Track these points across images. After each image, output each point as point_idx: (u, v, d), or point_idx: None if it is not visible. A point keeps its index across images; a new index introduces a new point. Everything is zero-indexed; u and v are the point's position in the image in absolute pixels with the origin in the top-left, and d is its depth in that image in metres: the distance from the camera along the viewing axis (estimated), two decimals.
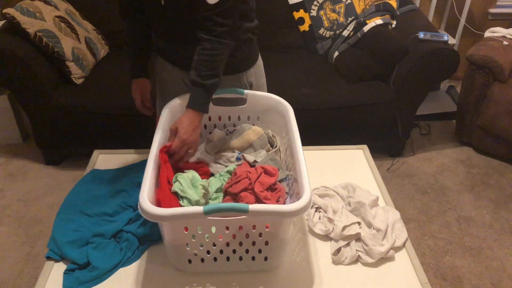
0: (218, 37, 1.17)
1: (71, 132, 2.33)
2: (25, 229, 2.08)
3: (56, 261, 1.13)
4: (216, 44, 1.18)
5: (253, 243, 1.03)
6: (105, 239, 1.16)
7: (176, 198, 1.10)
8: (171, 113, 1.28)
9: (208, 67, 1.18)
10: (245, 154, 1.28)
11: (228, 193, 1.16)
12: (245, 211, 0.93)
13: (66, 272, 1.10)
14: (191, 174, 1.16)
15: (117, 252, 1.14)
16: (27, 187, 2.33)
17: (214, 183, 1.20)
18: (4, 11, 2.09)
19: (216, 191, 1.18)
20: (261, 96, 1.35)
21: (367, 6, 2.64)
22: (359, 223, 1.20)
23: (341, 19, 2.66)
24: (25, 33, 2.13)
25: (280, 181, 1.24)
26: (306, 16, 2.67)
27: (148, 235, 1.18)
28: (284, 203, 1.18)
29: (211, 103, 1.34)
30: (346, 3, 2.65)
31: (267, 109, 1.36)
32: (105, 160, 1.48)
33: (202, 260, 1.06)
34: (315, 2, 2.66)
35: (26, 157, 2.55)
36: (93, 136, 2.34)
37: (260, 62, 1.49)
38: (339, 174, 1.44)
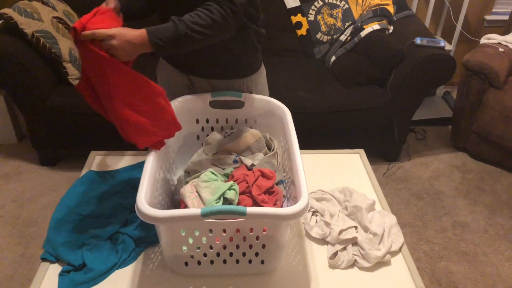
0: (223, 10, 1.11)
1: (67, 133, 2.32)
2: (19, 230, 2.07)
3: (51, 262, 1.12)
4: (221, 17, 1.11)
5: (250, 246, 1.03)
6: (101, 241, 1.16)
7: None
8: None
9: (197, 25, 1.09)
10: (242, 157, 1.28)
11: None
12: (242, 214, 0.93)
13: (61, 274, 1.09)
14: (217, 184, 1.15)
15: (113, 254, 1.13)
16: (22, 188, 2.32)
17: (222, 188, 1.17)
18: (2, 11, 2.09)
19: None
20: (258, 99, 1.36)
21: (364, 11, 2.65)
22: (355, 227, 1.20)
23: (339, 24, 2.67)
24: (23, 34, 2.12)
25: (277, 184, 1.24)
26: (303, 21, 2.68)
27: (144, 237, 1.17)
28: (282, 207, 1.18)
29: (208, 105, 1.35)
30: (344, 8, 2.67)
31: (264, 112, 1.37)
32: (102, 161, 1.48)
33: (199, 262, 1.06)
34: (312, 7, 2.67)
35: (21, 158, 2.54)
36: (89, 137, 2.33)
37: (262, 72, 1.47)
38: (336, 178, 1.44)
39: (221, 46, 1.26)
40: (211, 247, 1.03)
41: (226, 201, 1.10)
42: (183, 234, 0.99)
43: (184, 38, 1.09)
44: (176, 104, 1.31)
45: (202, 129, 1.39)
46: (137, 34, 1.06)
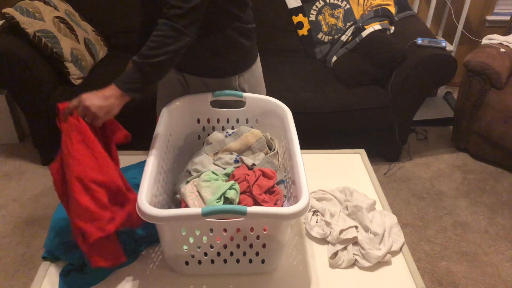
0: (169, 20, 1.09)
1: None
2: (20, 230, 2.07)
3: (52, 262, 1.13)
4: (169, 28, 1.10)
5: (251, 246, 1.03)
6: None
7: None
8: (170, 115, 1.28)
9: (152, 50, 1.09)
10: (243, 157, 1.28)
11: None
12: (243, 213, 0.93)
13: (62, 273, 1.09)
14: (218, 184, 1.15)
15: None
16: (23, 187, 2.33)
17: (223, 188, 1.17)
18: (4, 10, 2.09)
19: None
20: (260, 99, 1.36)
21: (366, 12, 2.65)
22: (356, 227, 1.20)
23: (340, 24, 2.67)
24: (24, 33, 2.13)
25: (278, 183, 1.24)
26: (305, 21, 2.69)
27: (145, 236, 1.17)
28: (282, 206, 1.18)
29: (209, 105, 1.35)
30: (345, 8, 2.67)
31: (265, 112, 1.37)
32: None
33: (199, 262, 1.06)
34: (314, 7, 2.67)
35: (23, 157, 2.54)
36: None
37: (256, 68, 1.45)
38: (337, 178, 1.44)
39: (202, 46, 1.27)
40: (211, 247, 1.03)
41: (227, 200, 1.10)
42: (183, 234, 0.99)
43: (150, 68, 1.09)
44: (177, 104, 1.31)
45: (203, 128, 1.39)
46: (106, 88, 1.09)
